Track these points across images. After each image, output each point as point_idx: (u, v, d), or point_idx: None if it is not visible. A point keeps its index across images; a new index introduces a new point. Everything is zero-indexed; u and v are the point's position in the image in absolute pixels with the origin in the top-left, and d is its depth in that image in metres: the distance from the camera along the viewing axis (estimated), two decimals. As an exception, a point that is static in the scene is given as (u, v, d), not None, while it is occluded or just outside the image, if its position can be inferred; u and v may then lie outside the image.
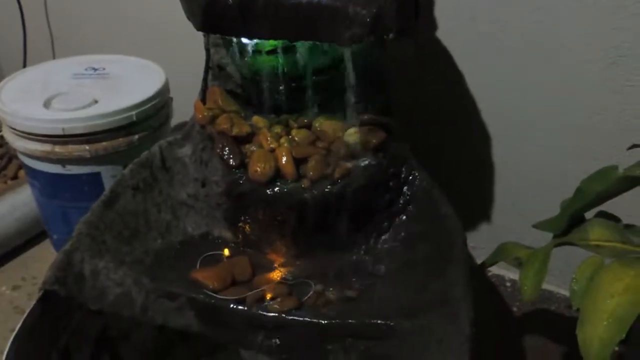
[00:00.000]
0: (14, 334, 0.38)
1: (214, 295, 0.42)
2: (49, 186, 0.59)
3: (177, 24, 0.75)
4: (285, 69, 0.46)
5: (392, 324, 0.39)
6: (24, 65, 0.93)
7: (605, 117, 0.53)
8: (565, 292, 0.64)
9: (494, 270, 0.67)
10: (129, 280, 0.42)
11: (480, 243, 0.66)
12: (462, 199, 0.49)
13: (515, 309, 0.64)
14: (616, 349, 0.58)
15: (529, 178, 0.60)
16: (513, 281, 0.66)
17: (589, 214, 0.46)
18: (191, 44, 0.69)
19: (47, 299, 0.41)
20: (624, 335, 0.36)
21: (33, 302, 0.63)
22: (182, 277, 0.44)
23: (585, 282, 0.40)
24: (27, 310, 0.40)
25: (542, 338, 0.60)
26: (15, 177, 0.79)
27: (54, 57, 0.94)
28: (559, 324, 0.62)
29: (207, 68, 0.47)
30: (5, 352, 0.37)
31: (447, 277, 0.41)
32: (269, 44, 0.44)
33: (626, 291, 0.37)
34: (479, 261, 0.65)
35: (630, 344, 0.50)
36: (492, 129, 0.59)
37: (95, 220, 0.44)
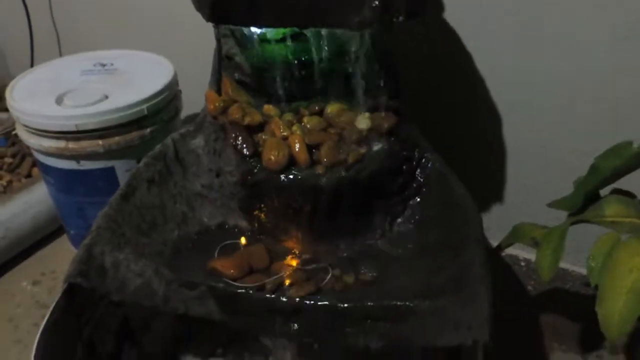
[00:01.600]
0: (41, 327, 0.39)
1: (233, 283, 0.43)
2: (64, 182, 0.59)
3: (180, 16, 0.76)
4: (295, 57, 0.46)
5: (411, 305, 0.39)
6: (32, 65, 0.93)
7: (615, 94, 0.53)
8: (580, 270, 0.64)
9: (508, 250, 0.67)
10: (149, 271, 0.42)
11: (492, 224, 0.66)
12: (473, 181, 0.49)
13: (530, 287, 0.64)
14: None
15: (539, 158, 0.60)
16: (527, 260, 0.66)
17: (603, 192, 0.46)
18: (194, 36, 0.69)
19: (71, 292, 0.42)
20: (643, 309, 0.36)
21: (54, 296, 0.64)
22: (201, 267, 0.45)
23: (602, 259, 0.40)
24: (52, 304, 0.40)
25: (557, 316, 0.60)
26: (29, 175, 0.80)
27: (60, 55, 0.94)
28: (575, 301, 0.62)
29: (219, 59, 0.47)
30: (34, 347, 0.37)
31: (464, 259, 0.41)
32: (278, 32, 0.44)
33: (644, 266, 0.37)
34: (492, 242, 0.65)
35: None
36: (502, 110, 0.59)
37: (114, 213, 0.45)
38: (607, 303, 0.38)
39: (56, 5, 0.90)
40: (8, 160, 0.81)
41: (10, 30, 0.99)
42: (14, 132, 0.71)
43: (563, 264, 0.65)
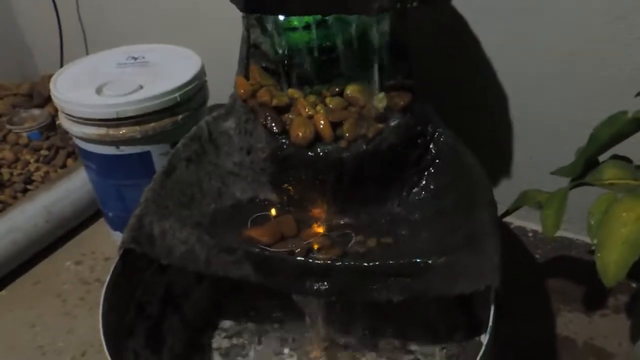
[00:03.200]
0: (104, 287, 0.44)
1: (267, 248, 0.48)
2: (104, 167, 0.64)
3: (200, 14, 0.80)
4: (317, 43, 0.50)
5: (429, 261, 0.43)
6: (62, 63, 0.99)
7: (614, 69, 0.57)
8: (584, 238, 0.68)
9: (516, 222, 0.72)
10: (193, 239, 0.47)
11: (500, 198, 0.70)
12: (482, 156, 0.53)
13: (538, 256, 0.68)
14: (634, 285, 0.63)
15: (544, 132, 0.64)
16: (534, 231, 0.71)
17: (602, 159, 0.50)
18: (215, 30, 0.73)
19: (126, 257, 0.47)
20: (637, 258, 0.41)
21: (95, 274, 0.70)
22: (237, 236, 0.49)
23: (600, 216, 0.44)
24: (112, 267, 0.45)
25: (563, 280, 0.64)
26: (64, 165, 0.86)
27: (87, 53, 1.00)
28: (579, 267, 0.66)
29: (248, 47, 0.52)
30: (101, 304, 0.42)
31: (476, 219, 0.45)
32: (302, 20, 0.49)
33: (638, 220, 0.41)
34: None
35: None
36: (507, 87, 0.63)
37: (158, 188, 0.50)
38: (604, 253, 0.42)
39: (83, 4, 0.95)
40: (44, 152, 0.87)
41: (39, 30, 1.04)
42: (58, 122, 0.75)
43: (567, 234, 0.69)
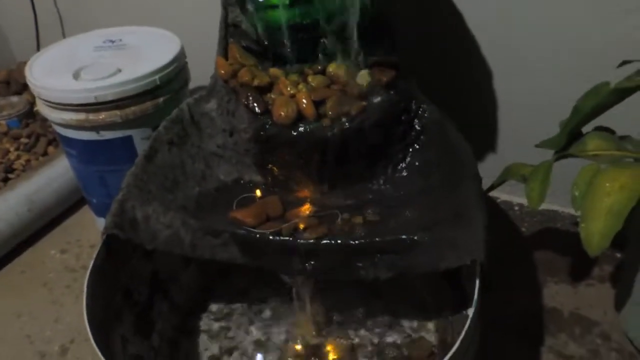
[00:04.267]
0: (87, 274, 0.43)
1: (253, 230, 0.47)
2: (86, 153, 0.63)
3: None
4: (297, 21, 0.49)
5: (415, 237, 0.43)
6: (38, 47, 0.96)
7: (596, 42, 0.57)
8: (569, 211, 0.69)
9: (503, 196, 0.72)
10: (177, 223, 0.46)
11: (486, 172, 0.70)
12: (466, 131, 0.53)
13: (524, 229, 0.69)
14: (618, 255, 0.64)
15: (528, 106, 0.64)
16: (520, 205, 0.71)
17: (586, 131, 0.50)
18: (194, 10, 0.72)
19: (109, 243, 0.46)
20: (620, 227, 0.41)
21: (81, 262, 0.69)
22: (222, 218, 0.49)
23: (584, 187, 0.45)
24: (94, 254, 0.45)
25: (549, 252, 0.65)
26: (45, 153, 0.84)
27: (64, 37, 0.97)
28: (565, 239, 0.67)
29: (226, 26, 0.50)
30: (85, 290, 0.42)
31: (461, 193, 0.45)
32: (282, -3, 0.48)
33: (621, 189, 0.42)
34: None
35: (628, 253, 0.55)
36: (492, 62, 0.63)
37: (140, 172, 0.49)
38: (589, 224, 0.42)
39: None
40: (24, 140, 0.85)
41: (13, 15, 1.01)
42: (35, 109, 0.73)
43: (553, 206, 0.70)
